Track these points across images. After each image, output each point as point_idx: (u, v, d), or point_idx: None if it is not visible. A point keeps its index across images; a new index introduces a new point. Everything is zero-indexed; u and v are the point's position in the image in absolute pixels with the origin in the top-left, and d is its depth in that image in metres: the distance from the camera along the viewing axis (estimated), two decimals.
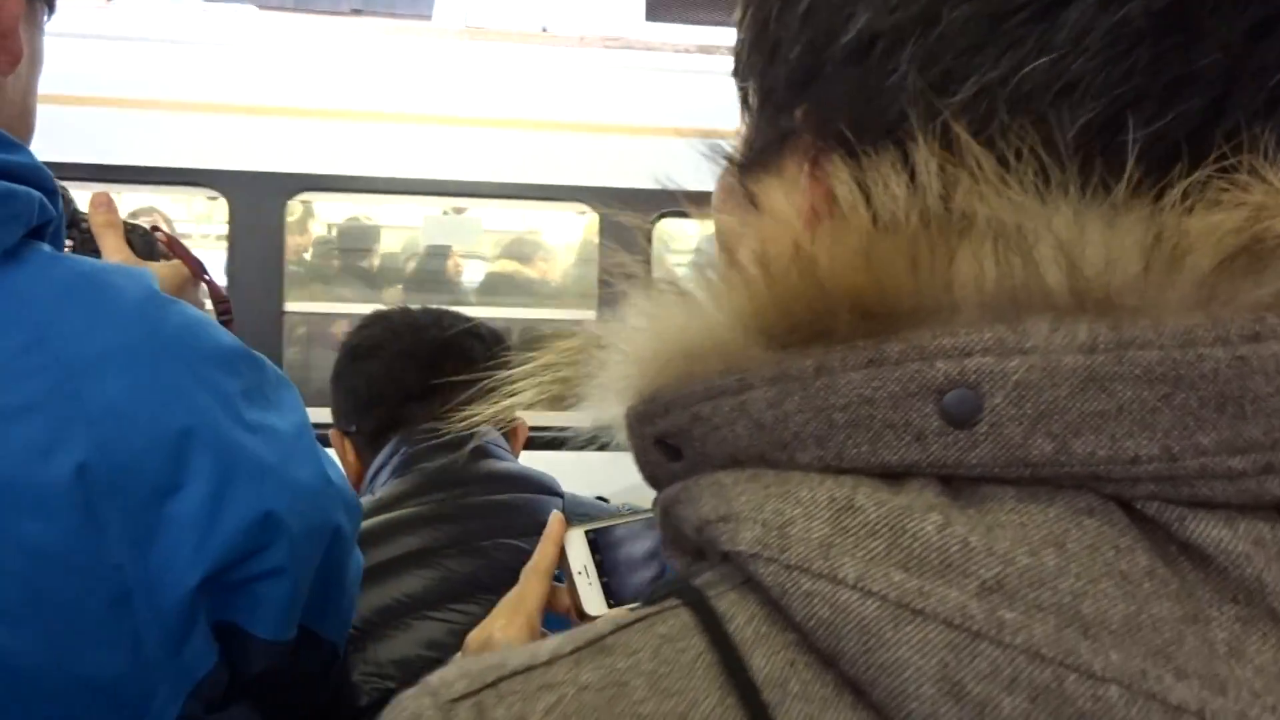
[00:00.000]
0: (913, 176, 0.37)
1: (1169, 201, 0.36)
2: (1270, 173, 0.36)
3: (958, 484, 0.37)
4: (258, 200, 3.90)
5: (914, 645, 0.34)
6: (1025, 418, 0.35)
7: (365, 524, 1.05)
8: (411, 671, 1.12)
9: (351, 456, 1.45)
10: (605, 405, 0.44)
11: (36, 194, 0.57)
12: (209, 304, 0.95)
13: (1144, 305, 0.35)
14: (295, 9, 5.29)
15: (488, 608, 1.05)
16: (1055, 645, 0.33)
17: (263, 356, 0.65)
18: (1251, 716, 0.33)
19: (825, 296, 0.38)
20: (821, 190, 0.41)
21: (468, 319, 1.51)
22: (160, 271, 0.86)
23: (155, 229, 1.01)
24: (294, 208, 4.17)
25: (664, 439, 0.42)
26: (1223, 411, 0.35)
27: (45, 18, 0.67)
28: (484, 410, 0.49)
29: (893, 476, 0.37)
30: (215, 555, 0.57)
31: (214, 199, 4.04)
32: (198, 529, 0.56)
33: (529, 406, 0.46)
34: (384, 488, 1.31)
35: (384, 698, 1.08)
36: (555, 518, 0.83)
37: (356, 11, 6.00)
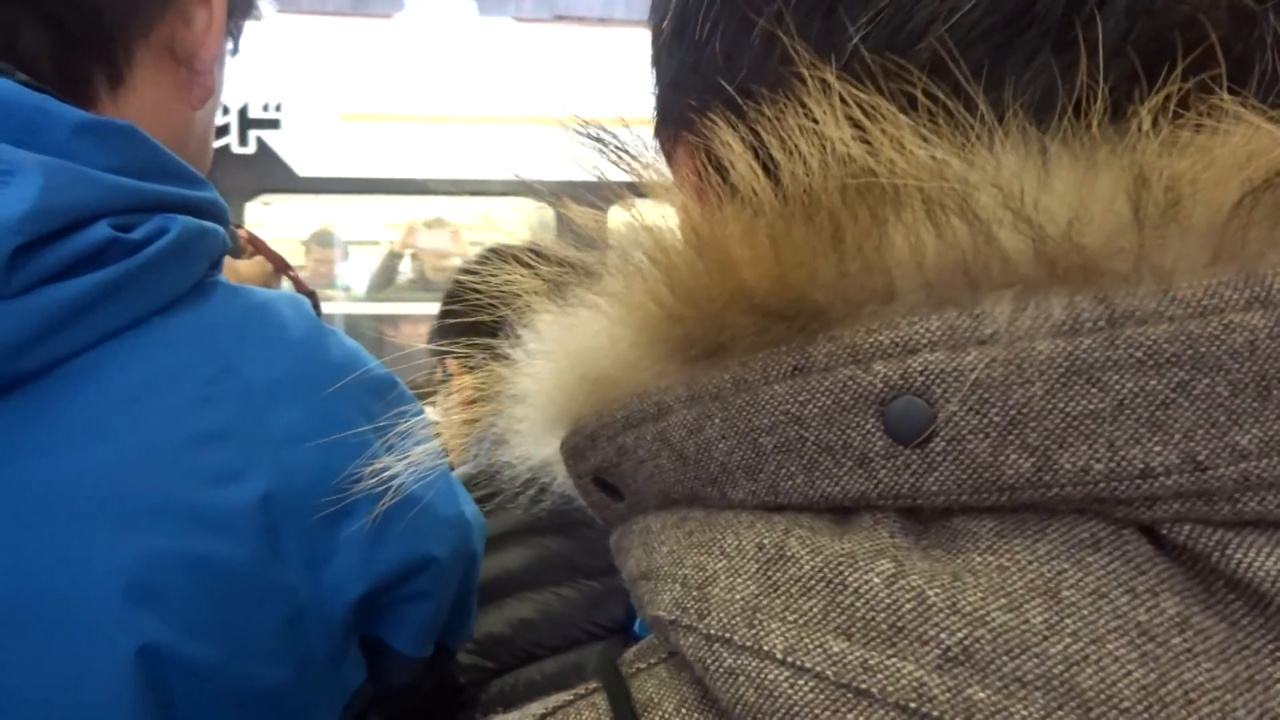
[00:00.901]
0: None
1: (1134, 133, 0.27)
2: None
3: (924, 518, 0.29)
4: None
5: None
6: (992, 428, 0.27)
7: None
8: (499, 649, 1.17)
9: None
10: (536, 443, 0.38)
11: (222, 230, 0.60)
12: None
13: (1142, 267, 0.26)
14: None
15: (582, 591, 1.10)
16: None
17: (400, 382, 0.67)
18: None
19: (733, 294, 0.29)
20: (697, 165, 0.34)
21: None
22: (246, 268, 0.97)
23: (238, 226, 1.04)
24: None
25: (600, 476, 0.35)
26: (1267, 398, 0.26)
27: (229, 55, 0.70)
28: (414, 453, 0.47)
29: (842, 511, 0.29)
30: (374, 579, 0.60)
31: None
32: (362, 554, 0.60)
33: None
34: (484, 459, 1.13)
35: (467, 669, 1.14)
36: None
37: None
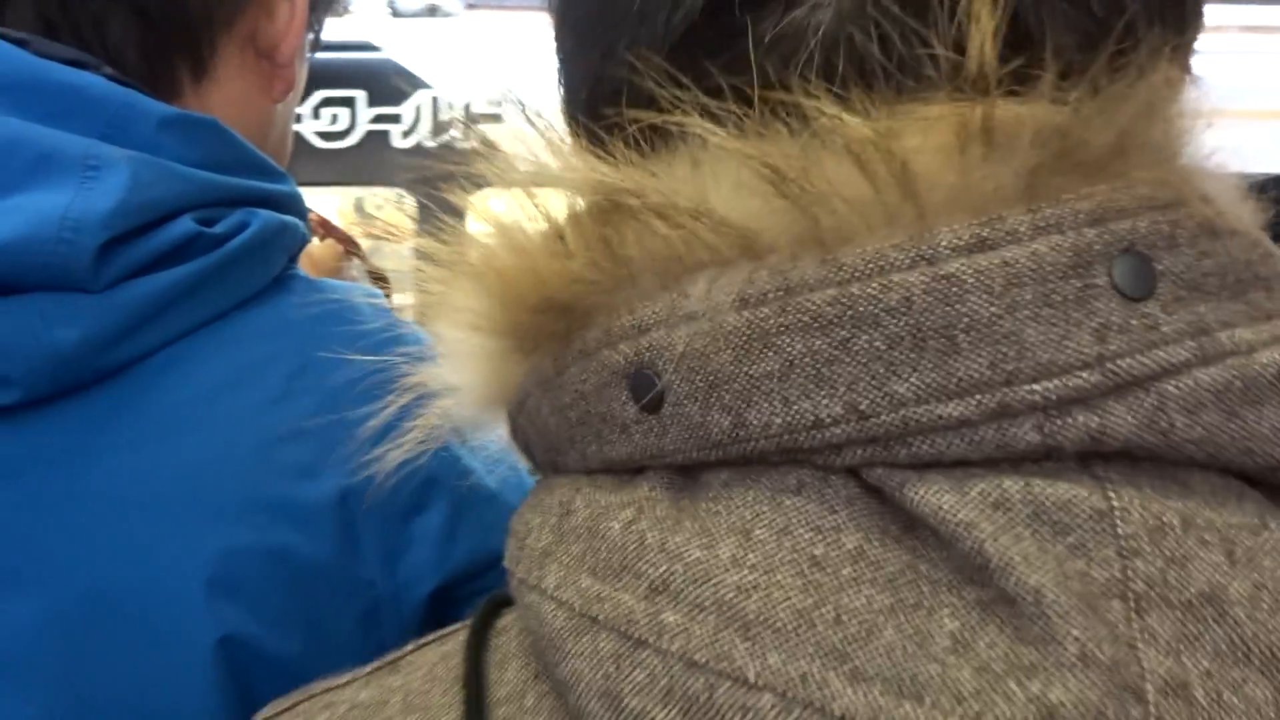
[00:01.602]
0: None
1: (774, 130, 0.32)
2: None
3: (690, 473, 0.33)
4: None
5: (585, 656, 0.31)
6: (698, 392, 0.31)
7: None
8: None
9: None
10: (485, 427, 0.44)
11: (301, 224, 0.61)
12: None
13: (807, 241, 0.31)
14: None
15: None
16: (710, 649, 0.29)
17: None
18: None
19: (523, 299, 0.36)
20: None
21: None
22: (318, 250, 0.98)
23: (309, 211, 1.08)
24: None
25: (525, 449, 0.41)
26: (922, 349, 0.29)
27: (311, 50, 0.72)
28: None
29: (632, 471, 0.34)
30: (447, 573, 0.61)
31: None
32: (437, 547, 0.60)
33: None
34: None
35: None
36: None
37: None
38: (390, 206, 5.02)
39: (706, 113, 0.32)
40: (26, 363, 0.51)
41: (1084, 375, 0.29)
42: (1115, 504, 0.29)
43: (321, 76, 4.11)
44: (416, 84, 4.08)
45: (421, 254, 0.40)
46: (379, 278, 0.96)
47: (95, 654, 0.53)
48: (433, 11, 5.16)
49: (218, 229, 0.56)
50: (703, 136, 0.33)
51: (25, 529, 0.53)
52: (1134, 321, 0.29)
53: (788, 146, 0.32)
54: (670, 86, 0.33)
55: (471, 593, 0.63)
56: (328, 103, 4.07)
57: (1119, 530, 0.29)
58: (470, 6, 5.66)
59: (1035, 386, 0.29)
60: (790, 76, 0.32)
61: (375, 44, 4.18)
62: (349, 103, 4.07)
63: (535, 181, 0.38)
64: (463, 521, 0.62)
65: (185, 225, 0.55)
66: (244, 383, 0.57)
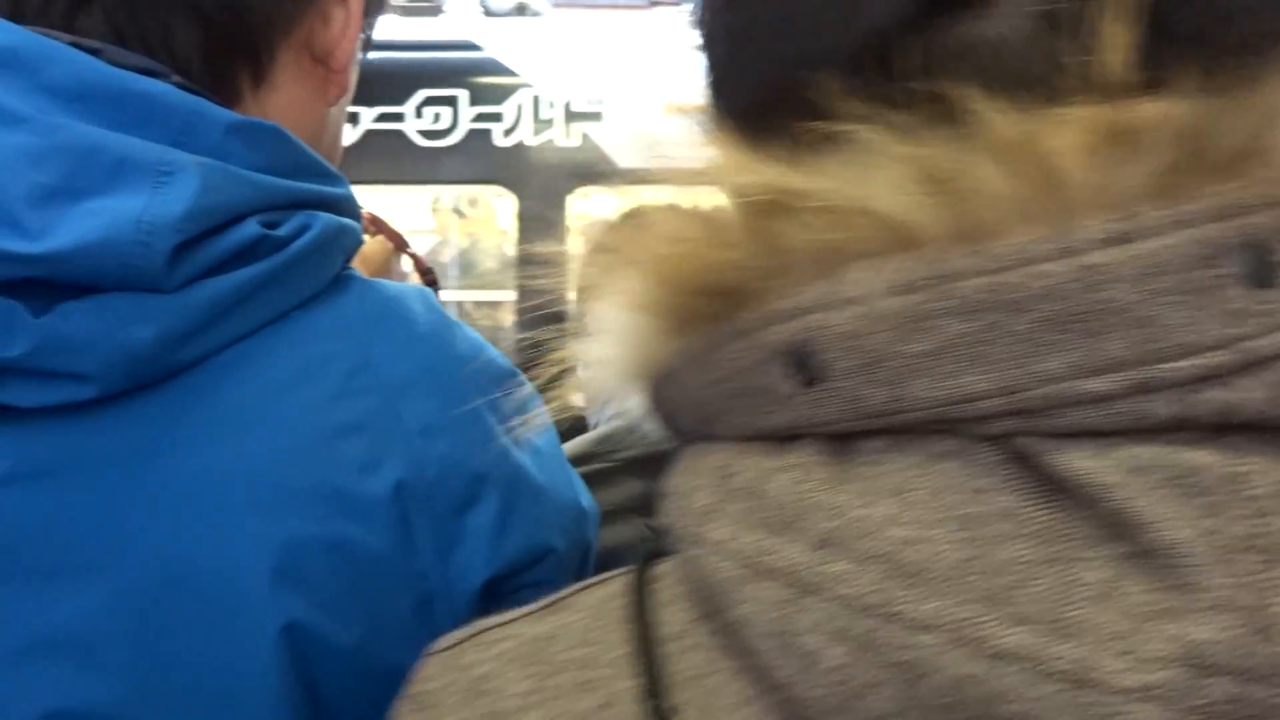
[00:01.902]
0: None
1: (921, 131, 0.35)
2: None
3: (846, 441, 0.36)
4: None
5: (757, 601, 0.35)
6: (857, 369, 0.34)
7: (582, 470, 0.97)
8: None
9: None
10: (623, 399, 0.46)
11: (358, 226, 0.63)
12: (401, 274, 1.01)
13: (962, 233, 0.34)
14: None
15: None
16: (876, 595, 0.32)
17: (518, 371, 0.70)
18: (1096, 662, 0.30)
19: (695, 279, 0.39)
20: None
21: None
22: (369, 247, 0.96)
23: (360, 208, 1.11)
24: None
25: (668, 420, 0.44)
26: (1066, 331, 0.32)
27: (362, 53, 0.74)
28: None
29: (786, 439, 0.37)
30: (498, 567, 0.62)
31: None
32: (488, 541, 0.62)
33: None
34: (610, 424, 1.29)
35: None
36: None
37: None
38: (483, 204, 5.08)
39: (869, 119, 0.36)
40: (104, 360, 0.53)
41: (1218, 355, 0.32)
42: (1245, 469, 0.32)
43: (423, 76, 4.16)
44: (518, 82, 4.10)
45: (594, 243, 0.45)
46: (427, 273, 1.00)
47: (166, 639, 0.54)
48: (522, 10, 5.19)
49: (281, 231, 0.58)
50: (864, 139, 0.36)
51: (102, 518, 0.55)
52: (1260, 307, 0.32)
53: (942, 149, 0.34)
54: (838, 95, 0.36)
55: (521, 585, 0.64)
56: (430, 102, 4.12)
57: (1250, 492, 0.32)
58: (557, 5, 5.66)
59: (1173, 365, 0.32)
60: (949, 83, 0.35)
61: (477, 43, 4.21)
62: (451, 101, 4.10)
63: (702, 180, 0.42)
64: (513, 516, 0.63)
65: (251, 228, 0.56)
66: (305, 380, 0.58)
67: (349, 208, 0.63)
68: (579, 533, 0.69)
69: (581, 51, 4.27)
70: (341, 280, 0.62)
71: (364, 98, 4.17)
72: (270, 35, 0.62)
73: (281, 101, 0.64)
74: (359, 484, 0.57)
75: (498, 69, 4.17)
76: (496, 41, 4.23)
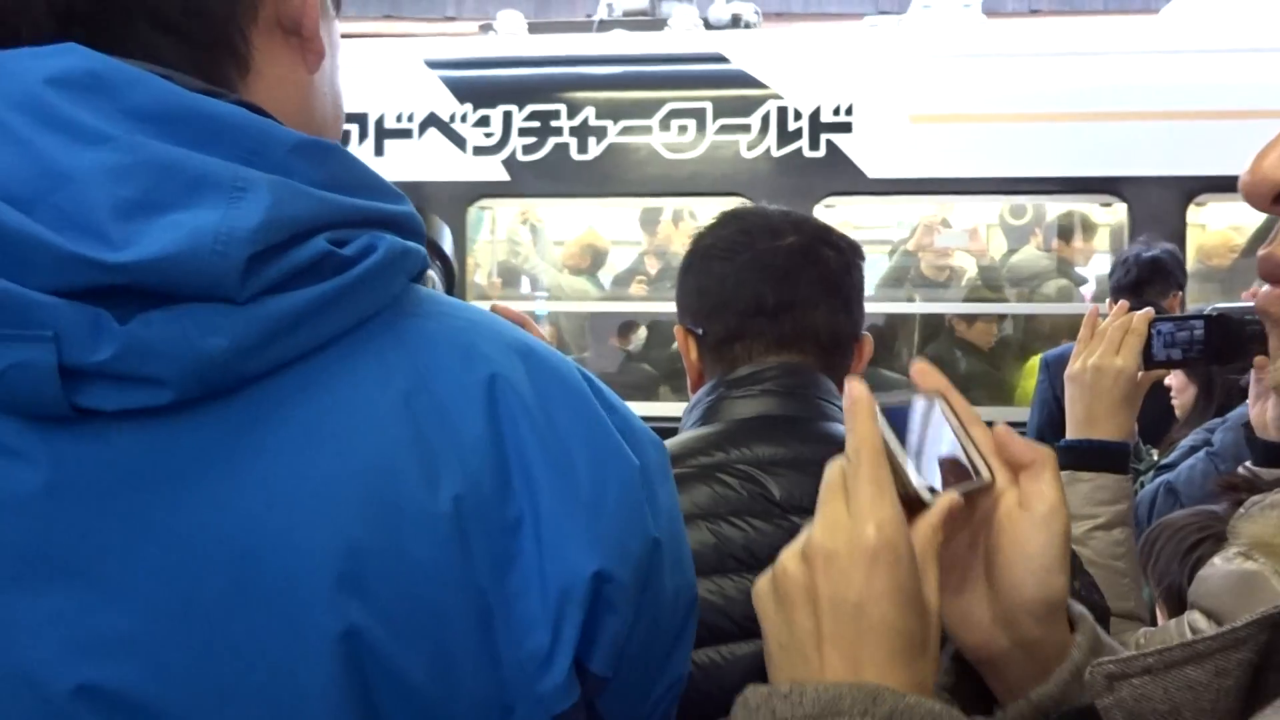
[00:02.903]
0: None
1: None
2: None
3: None
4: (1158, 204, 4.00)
5: None
6: None
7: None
8: None
9: (694, 356, 1.34)
10: None
11: (422, 249, 0.65)
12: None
13: None
14: None
15: (743, 587, 1.03)
16: None
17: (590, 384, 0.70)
18: None
19: None
20: None
21: (823, 224, 1.37)
22: None
23: None
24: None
25: None
26: None
27: (334, 8, 0.75)
28: None
29: None
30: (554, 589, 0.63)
31: (1108, 205, 4.37)
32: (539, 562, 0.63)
33: None
34: (689, 431, 1.25)
35: None
36: (860, 389, 0.67)
37: None
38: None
39: None
40: (181, 366, 0.55)
41: None
42: None
43: (669, 87, 4.18)
44: (764, 94, 4.09)
45: None
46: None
47: (228, 642, 0.56)
48: (736, 22, 5.20)
49: (348, 250, 0.59)
50: None
51: (173, 520, 0.57)
52: None
53: None
54: None
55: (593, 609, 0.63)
56: (676, 114, 4.14)
57: None
58: (768, 17, 5.62)
59: None
60: None
61: (724, 55, 4.22)
62: (697, 114, 4.12)
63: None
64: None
65: (319, 245, 0.58)
66: (370, 396, 0.60)
67: (412, 225, 0.64)
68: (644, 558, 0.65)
69: (828, 62, 4.24)
70: (404, 298, 0.64)
71: (611, 110, 4.21)
72: (240, 26, 0.64)
73: (266, 83, 0.65)
74: (420, 498, 0.59)
75: (744, 81, 4.16)
76: (743, 54, 4.22)
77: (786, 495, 1.15)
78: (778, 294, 1.24)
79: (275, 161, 0.58)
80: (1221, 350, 1.63)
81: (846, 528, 0.60)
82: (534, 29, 5.20)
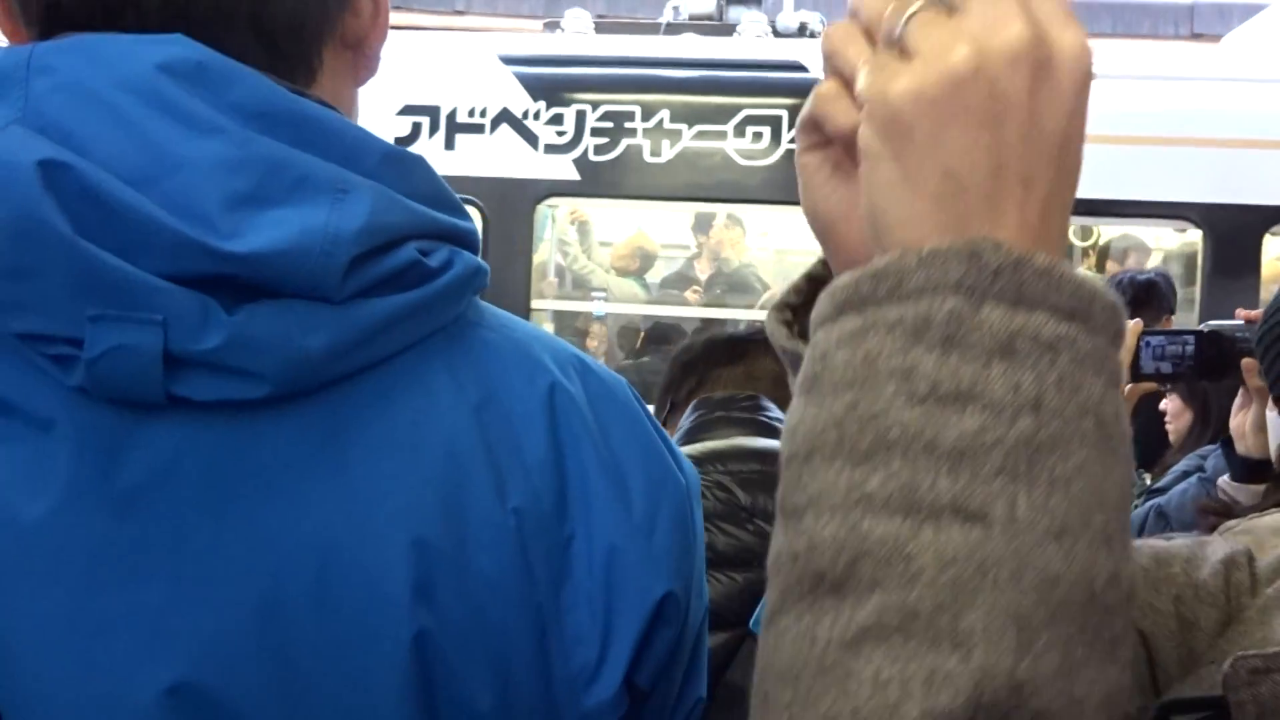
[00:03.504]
0: None
1: None
2: None
3: None
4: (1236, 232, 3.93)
5: None
6: None
7: None
8: None
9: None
10: None
11: (486, 266, 0.66)
12: None
13: None
14: None
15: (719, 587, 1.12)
16: None
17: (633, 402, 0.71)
18: None
19: None
20: None
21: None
22: None
23: None
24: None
25: None
26: None
27: None
28: None
29: None
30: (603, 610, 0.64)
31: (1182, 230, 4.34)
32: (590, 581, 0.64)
33: None
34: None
35: None
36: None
37: None
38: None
39: None
40: (280, 361, 0.55)
41: None
42: None
43: (745, 94, 4.16)
44: None
45: None
46: None
47: (312, 643, 0.56)
48: (802, 30, 5.17)
49: (431, 262, 0.60)
50: None
51: (256, 518, 0.57)
52: None
53: None
54: None
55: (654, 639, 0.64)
56: (751, 120, 4.11)
57: None
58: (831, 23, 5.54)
59: None
60: None
61: (803, 64, 4.19)
62: (772, 121, 4.09)
63: None
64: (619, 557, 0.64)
65: (410, 252, 0.59)
66: (442, 405, 0.61)
67: (474, 242, 0.65)
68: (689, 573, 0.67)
69: None
70: (473, 313, 0.66)
71: (686, 115, 4.18)
72: (321, 42, 0.65)
73: (325, 92, 0.65)
74: (486, 509, 0.60)
75: None
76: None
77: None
78: (731, 347, 1.53)
79: (367, 168, 0.59)
80: (1212, 366, 1.63)
81: (1061, 28, 0.41)
82: (601, 28, 5.18)
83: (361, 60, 0.70)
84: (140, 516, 0.55)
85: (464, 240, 0.64)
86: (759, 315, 4.87)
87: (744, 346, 1.52)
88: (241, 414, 0.57)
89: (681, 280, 5.36)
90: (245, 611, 0.56)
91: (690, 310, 5.17)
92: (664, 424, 1.38)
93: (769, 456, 1.25)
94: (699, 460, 1.25)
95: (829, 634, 0.37)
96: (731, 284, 5.21)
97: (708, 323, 4.96)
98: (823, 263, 0.55)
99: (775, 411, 1.41)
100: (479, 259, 0.65)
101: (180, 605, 0.55)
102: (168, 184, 0.53)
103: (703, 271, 5.28)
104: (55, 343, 0.54)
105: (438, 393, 0.61)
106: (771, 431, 1.35)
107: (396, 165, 0.61)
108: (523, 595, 0.61)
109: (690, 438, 1.37)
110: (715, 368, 1.48)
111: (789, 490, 0.40)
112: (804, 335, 0.46)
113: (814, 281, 0.57)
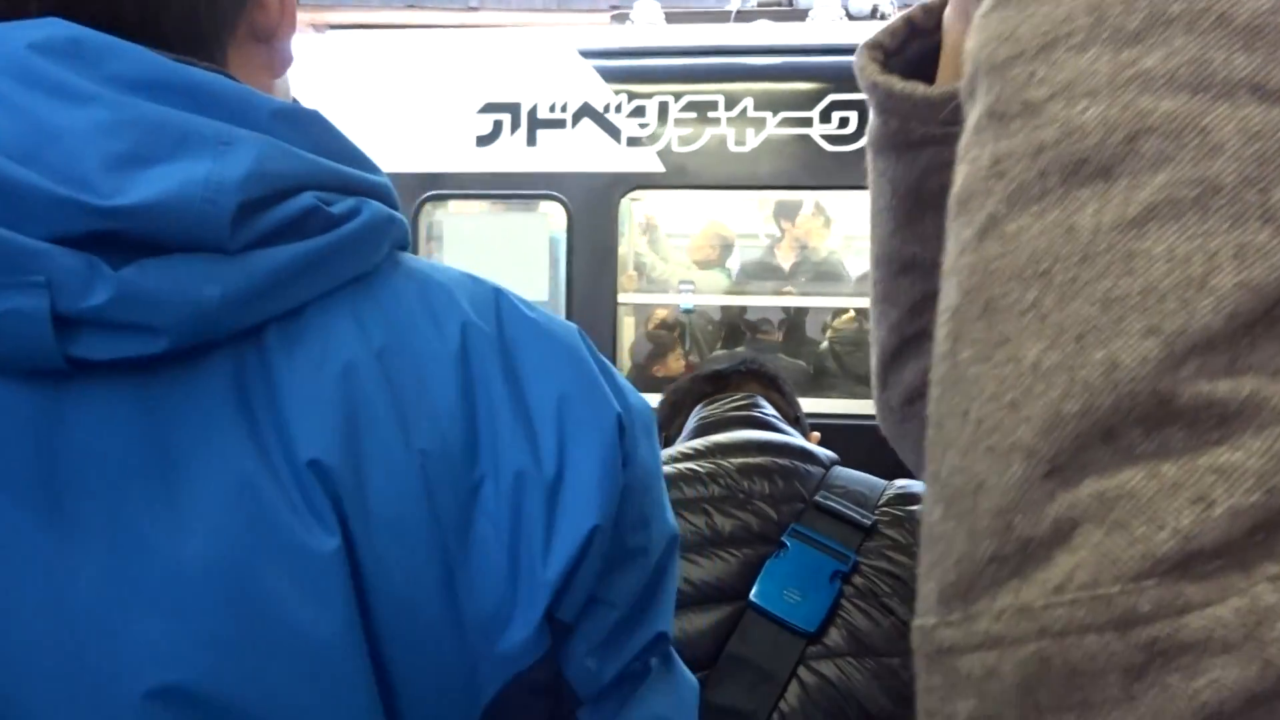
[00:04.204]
0: None
1: None
2: None
3: None
4: None
5: None
6: None
7: None
8: None
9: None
10: None
11: (405, 221, 0.68)
12: None
13: None
14: None
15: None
16: None
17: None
18: None
19: None
20: None
21: None
22: None
23: None
24: None
25: None
26: None
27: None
28: None
29: None
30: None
31: None
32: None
33: None
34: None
35: None
36: None
37: None
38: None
39: None
40: (176, 314, 0.56)
41: None
42: None
43: (832, 80, 4.11)
44: None
45: None
46: None
47: (256, 591, 0.57)
48: (874, 13, 5.10)
49: (334, 210, 0.61)
50: None
51: (182, 480, 0.57)
52: None
53: None
54: None
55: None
56: (837, 106, 4.06)
57: None
58: (903, 7, 5.50)
59: None
60: None
61: None
62: (860, 106, 4.03)
63: None
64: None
65: (307, 199, 0.60)
66: (342, 353, 0.62)
67: (389, 196, 0.66)
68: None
69: None
70: (390, 264, 0.66)
71: (771, 101, 4.14)
72: (220, 37, 0.66)
73: None
74: (390, 449, 0.61)
75: None
76: None
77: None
78: (716, 378, 1.66)
79: (257, 125, 0.59)
80: None
81: None
82: (671, 18, 5.14)
83: (274, 54, 0.71)
84: (71, 494, 0.56)
85: (376, 193, 0.65)
86: (846, 302, 4.82)
87: (726, 378, 1.64)
88: (148, 376, 0.57)
89: (767, 270, 5.31)
90: (194, 569, 0.56)
91: (778, 300, 5.11)
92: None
93: (768, 447, 1.35)
94: (703, 453, 1.34)
95: (1096, 220, 0.34)
96: (818, 273, 5.15)
97: (798, 311, 4.92)
98: (923, 8, 0.55)
99: (770, 409, 1.53)
100: (393, 211, 0.65)
101: (125, 578, 0.56)
102: (49, 154, 0.54)
103: (785, 260, 5.23)
104: None
105: (341, 339, 0.62)
106: (767, 426, 1.46)
107: (289, 120, 0.61)
108: (429, 537, 0.61)
109: (695, 436, 1.47)
110: (701, 400, 1.60)
111: (1013, 91, 0.36)
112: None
113: (910, 25, 0.55)
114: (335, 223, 0.61)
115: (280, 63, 0.71)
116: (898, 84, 0.76)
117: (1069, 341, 0.34)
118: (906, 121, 0.77)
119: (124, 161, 0.55)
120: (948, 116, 0.74)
